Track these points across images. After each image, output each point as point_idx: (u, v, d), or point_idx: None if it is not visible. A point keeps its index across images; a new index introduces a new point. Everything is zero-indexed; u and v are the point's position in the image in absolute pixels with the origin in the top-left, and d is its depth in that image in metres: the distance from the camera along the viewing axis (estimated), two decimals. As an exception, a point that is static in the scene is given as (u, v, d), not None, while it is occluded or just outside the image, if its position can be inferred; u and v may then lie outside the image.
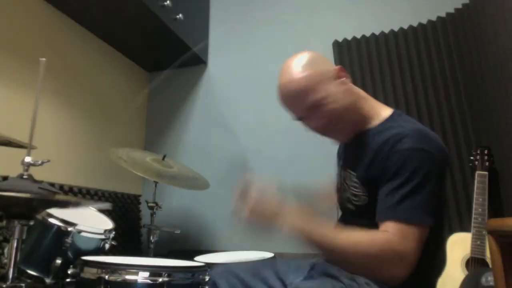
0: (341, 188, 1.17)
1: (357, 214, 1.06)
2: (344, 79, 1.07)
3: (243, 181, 0.99)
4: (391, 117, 1.08)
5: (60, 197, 1.25)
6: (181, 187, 2.14)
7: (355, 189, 1.06)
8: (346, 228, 0.97)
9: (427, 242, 0.93)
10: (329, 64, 1.10)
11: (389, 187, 0.94)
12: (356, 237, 0.92)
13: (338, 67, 1.08)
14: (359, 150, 1.07)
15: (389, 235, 0.90)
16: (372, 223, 0.96)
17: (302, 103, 1.03)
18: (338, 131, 1.09)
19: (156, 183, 2.05)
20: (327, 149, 1.38)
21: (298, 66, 1.04)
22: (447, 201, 1.14)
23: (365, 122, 1.09)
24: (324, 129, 1.08)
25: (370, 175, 1.00)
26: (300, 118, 1.08)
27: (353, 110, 1.07)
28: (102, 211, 1.75)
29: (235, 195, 0.99)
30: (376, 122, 1.08)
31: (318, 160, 2.09)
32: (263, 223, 0.97)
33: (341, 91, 1.05)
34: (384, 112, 1.11)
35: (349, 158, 1.16)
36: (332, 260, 0.99)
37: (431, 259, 1.03)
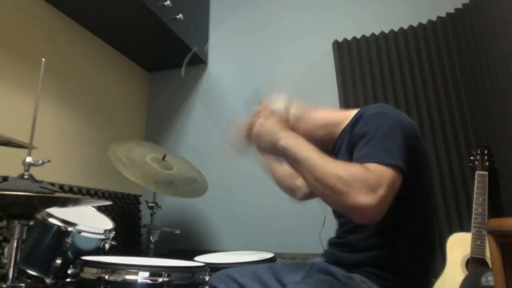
0: None
1: None
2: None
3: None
4: (357, 112, 1.12)
5: (60, 194, 1.25)
6: (179, 196, 2.11)
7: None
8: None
9: (411, 227, 0.96)
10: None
11: (360, 146, 0.97)
12: (334, 161, 0.94)
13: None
14: (339, 150, 1.12)
15: (363, 167, 0.90)
16: None
17: None
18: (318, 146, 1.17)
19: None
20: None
21: None
22: (430, 189, 1.13)
23: (334, 132, 1.16)
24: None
25: (349, 142, 1.05)
26: None
27: (314, 135, 1.15)
28: (102, 211, 1.75)
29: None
30: (346, 122, 1.14)
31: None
32: (260, 140, 1.06)
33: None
34: (350, 114, 1.14)
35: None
36: (304, 175, 0.97)
37: (418, 245, 1.04)
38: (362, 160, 0.92)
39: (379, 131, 0.96)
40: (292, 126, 1.13)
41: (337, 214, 1.21)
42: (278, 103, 1.18)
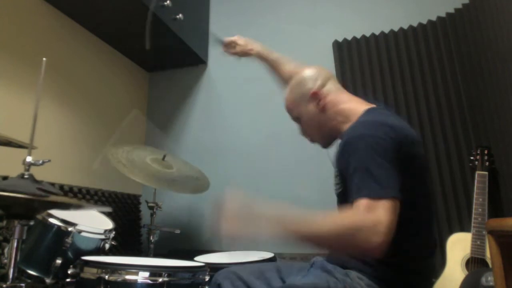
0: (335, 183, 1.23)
1: (340, 201, 1.16)
2: (319, 100, 1.21)
3: (219, 199, 1.03)
4: (362, 114, 1.14)
5: (61, 199, 1.25)
6: (180, 192, 2.13)
7: (336, 179, 1.15)
8: (320, 214, 0.99)
9: (410, 226, 0.97)
10: (316, 80, 1.24)
11: (349, 178, 0.99)
12: (329, 220, 0.94)
13: (312, 92, 1.22)
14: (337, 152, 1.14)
15: (357, 209, 0.92)
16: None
17: (289, 114, 1.30)
18: (316, 141, 1.29)
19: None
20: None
21: (289, 87, 1.29)
22: (429, 193, 1.14)
23: (343, 126, 1.17)
24: (307, 136, 1.30)
25: (339, 168, 1.10)
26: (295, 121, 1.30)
27: (324, 126, 1.23)
28: (102, 211, 1.75)
29: (214, 211, 1.02)
30: (351, 122, 1.15)
31: (318, 159, 2.09)
32: (243, 227, 0.99)
33: (314, 111, 1.23)
34: (361, 110, 1.16)
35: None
36: (314, 246, 0.99)
37: (416, 241, 1.05)
38: (355, 196, 0.93)
39: (362, 160, 0.96)
40: (320, 100, 1.20)
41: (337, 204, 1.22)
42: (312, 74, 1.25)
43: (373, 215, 0.88)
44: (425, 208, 1.08)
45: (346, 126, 1.15)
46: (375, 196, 0.90)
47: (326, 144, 1.29)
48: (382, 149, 0.96)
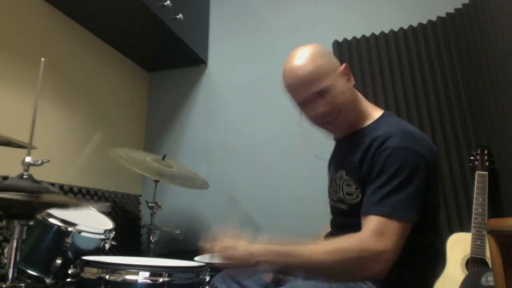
0: (332, 191, 1.20)
1: (350, 214, 1.07)
2: (348, 76, 1.12)
3: (210, 235, 1.01)
4: (381, 117, 1.11)
5: (59, 198, 1.25)
6: (181, 185, 2.14)
7: (348, 187, 1.08)
8: (319, 242, 1.01)
9: (416, 239, 0.94)
10: (336, 61, 1.15)
11: (375, 184, 0.96)
12: (331, 247, 0.94)
13: (344, 64, 1.12)
14: (351, 149, 1.09)
15: (365, 235, 0.91)
16: None
17: (309, 88, 1.05)
18: (335, 124, 1.12)
19: (156, 183, 2.05)
20: (325, 148, 1.39)
21: (309, 54, 1.07)
22: (439, 201, 1.13)
23: (359, 121, 1.13)
24: (323, 119, 1.10)
25: (361, 173, 1.03)
26: (301, 103, 1.11)
27: (352, 107, 1.11)
28: (102, 211, 1.75)
29: (205, 247, 1.01)
30: (368, 122, 1.12)
31: (317, 159, 2.09)
32: (237, 265, 0.99)
33: (345, 87, 1.09)
34: (376, 112, 1.14)
35: (342, 158, 1.18)
36: (316, 276, 0.99)
37: (421, 258, 1.04)
38: (372, 209, 0.92)
39: (398, 177, 0.93)
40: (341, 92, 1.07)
41: (335, 213, 1.21)
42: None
43: (381, 244, 0.88)
44: (434, 218, 1.08)
45: (362, 122, 1.12)
46: (392, 216, 0.90)
47: (341, 131, 1.15)
48: (417, 165, 0.94)
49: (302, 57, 1.07)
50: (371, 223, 0.92)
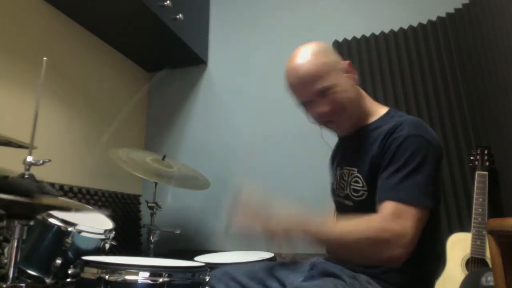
0: (338, 187, 1.18)
1: (356, 210, 1.06)
2: (352, 74, 1.12)
3: (234, 198, 1.00)
4: (387, 113, 1.12)
5: (60, 201, 1.25)
6: (181, 187, 2.14)
7: (355, 184, 1.07)
8: (342, 220, 0.98)
9: (425, 231, 0.94)
10: (340, 58, 1.15)
11: (389, 171, 0.96)
12: (352, 225, 0.93)
13: (348, 62, 1.13)
14: (359, 145, 1.09)
15: (385, 216, 0.90)
16: None
17: (311, 87, 1.05)
18: (339, 122, 1.11)
19: (156, 183, 2.05)
20: (326, 148, 1.39)
21: (312, 52, 1.07)
22: (441, 193, 1.14)
23: (364, 118, 1.13)
24: (327, 117, 1.09)
25: (372, 167, 1.02)
26: (304, 103, 1.10)
27: (356, 105, 1.11)
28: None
29: (228, 210, 1.00)
30: (374, 118, 1.12)
31: (317, 159, 2.09)
32: (259, 227, 0.97)
33: (349, 84, 1.08)
34: (381, 110, 1.15)
35: (347, 155, 1.18)
36: (333, 251, 0.99)
37: (427, 245, 1.03)
38: (388, 194, 0.92)
39: (412, 163, 0.93)
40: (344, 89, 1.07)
41: (341, 209, 1.20)
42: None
43: (400, 226, 0.87)
44: (437, 214, 1.07)
45: (367, 119, 1.12)
46: (409, 201, 0.89)
47: (346, 129, 1.14)
48: (429, 153, 0.95)
49: (304, 56, 1.07)
50: (390, 206, 0.91)
